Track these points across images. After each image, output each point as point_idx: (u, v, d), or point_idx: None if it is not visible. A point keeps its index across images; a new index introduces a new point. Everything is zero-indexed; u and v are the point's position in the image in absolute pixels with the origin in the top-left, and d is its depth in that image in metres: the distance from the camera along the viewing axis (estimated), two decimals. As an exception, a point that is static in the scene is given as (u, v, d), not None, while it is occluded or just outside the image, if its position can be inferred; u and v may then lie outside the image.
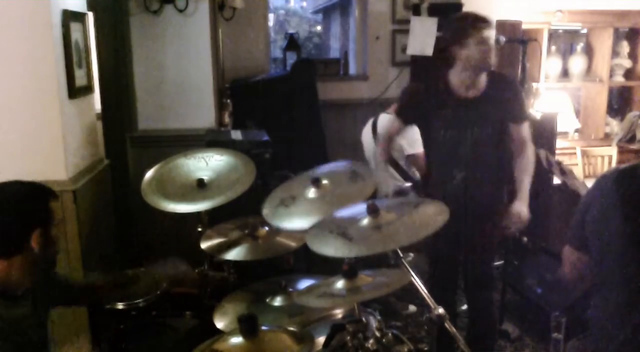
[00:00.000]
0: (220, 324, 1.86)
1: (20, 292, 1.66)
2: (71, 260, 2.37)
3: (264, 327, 1.51)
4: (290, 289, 1.99)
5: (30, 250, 1.62)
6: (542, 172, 3.87)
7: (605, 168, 4.76)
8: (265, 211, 2.02)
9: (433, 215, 1.66)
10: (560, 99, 4.89)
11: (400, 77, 5.29)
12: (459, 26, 2.53)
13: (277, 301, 1.96)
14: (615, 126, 5.10)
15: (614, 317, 1.67)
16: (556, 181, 3.92)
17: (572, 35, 5.29)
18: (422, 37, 4.59)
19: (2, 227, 1.61)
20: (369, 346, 1.56)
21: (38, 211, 1.66)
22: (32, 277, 1.68)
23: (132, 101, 3.49)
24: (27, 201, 1.66)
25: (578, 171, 4.68)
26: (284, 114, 4.43)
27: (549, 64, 4.80)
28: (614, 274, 1.67)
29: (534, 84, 4.54)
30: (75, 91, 2.46)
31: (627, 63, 5.05)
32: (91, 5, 2.89)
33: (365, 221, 1.65)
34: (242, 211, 2.26)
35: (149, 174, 2.42)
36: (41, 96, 2.29)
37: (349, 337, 1.56)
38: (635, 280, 1.61)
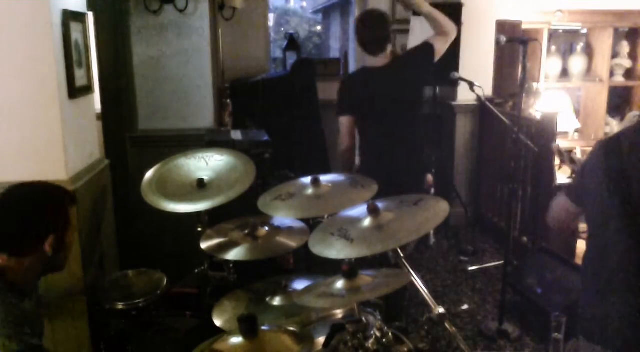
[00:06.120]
0: (219, 322, 1.86)
1: (27, 288, 1.67)
2: (71, 260, 2.37)
3: (264, 327, 1.51)
4: (290, 289, 1.99)
5: (42, 252, 1.63)
6: (544, 172, 3.89)
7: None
8: (261, 202, 2.04)
9: (434, 211, 1.66)
10: (560, 99, 4.89)
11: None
12: None
13: (277, 301, 1.96)
14: (615, 126, 5.10)
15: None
16: (557, 181, 3.93)
17: (572, 35, 5.29)
18: (422, 37, 4.58)
19: (20, 227, 1.62)
20: (369, 346, 1.55)
21: (57, 215, 1.67)
22: (39, 277, 1.69)
23: (132, 101, 3.49)
24: (49, 204, 1.67)
25: (578, 171, 4.68)
26: (284, 114, 4.43)
27: (549, 64, 4.80)
28: (601, 243, 1.74)
29: (534, 84, 4.54)
30: (75, 91, 2.45)
31: (627, 63, 5.05)
32: (91, 5, 2.89)
33: (366, 222, 1.65)
34: (242, 211, 2.26)
35: (149, 174, 2.42)
36: (41, 96, 2.28)
37: (349, 337, 1.56)
38: (617, 256, 1.66)
